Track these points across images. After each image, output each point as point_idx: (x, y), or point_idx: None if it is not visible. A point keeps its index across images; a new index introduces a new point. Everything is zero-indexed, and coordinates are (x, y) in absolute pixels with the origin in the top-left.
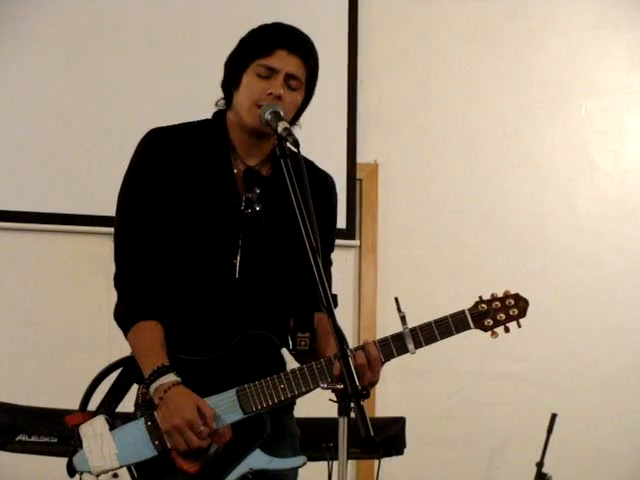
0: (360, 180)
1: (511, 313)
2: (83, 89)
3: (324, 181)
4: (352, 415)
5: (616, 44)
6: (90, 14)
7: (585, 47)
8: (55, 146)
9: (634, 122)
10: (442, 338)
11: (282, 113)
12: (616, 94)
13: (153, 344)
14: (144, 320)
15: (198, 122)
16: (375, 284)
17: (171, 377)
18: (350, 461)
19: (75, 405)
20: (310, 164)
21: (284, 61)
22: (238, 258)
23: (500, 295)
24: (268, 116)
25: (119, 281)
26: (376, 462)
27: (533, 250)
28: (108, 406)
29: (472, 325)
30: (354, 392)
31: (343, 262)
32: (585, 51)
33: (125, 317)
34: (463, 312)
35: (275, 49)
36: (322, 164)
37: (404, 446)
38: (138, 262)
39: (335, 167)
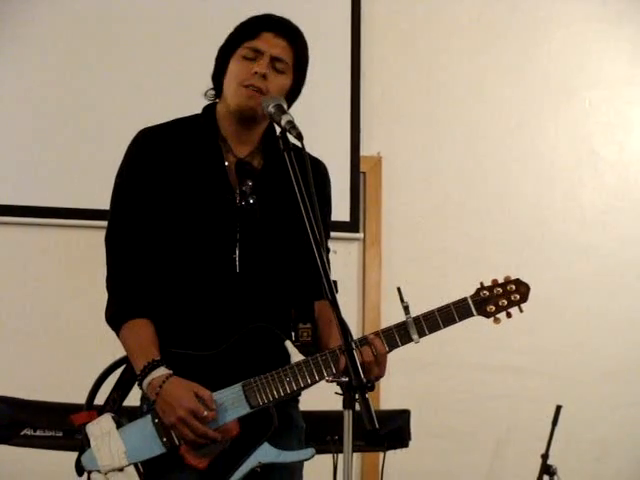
0: (364, 173)
1: (513, 298)
2: (84, 84)
3: (317, 168)
4: (357, 408)
5: (619, 36)
6: (90, 13)
7: (588, 39)
8: (59, 140)
9: (638, 113)
10: (445, 326)
11: (285, 106)
12: (619, 86)
13: (142, 341)
14: (133, 319)
15: (188, 117)
16: (379, 277)
17: (162, 370)
18: (355, 454)
19: (80, 399)
20: (306, 154)
21: (269, 43)
22: (237, 252)
23: (501, 281)
24: (272, 109)
25: (109, 283)
26: (381, 455)
27: (537, 241)
28: (113, 404)
29: (475, 312)
30: (359, 385)
31: (347, 255)
32: (588, 43)
33: (114, 318)
34: (465, 299)
35: (260, 32)
36: (326, 157)
37: (409, 439)
38: (128, 263)
39: (339, 160)
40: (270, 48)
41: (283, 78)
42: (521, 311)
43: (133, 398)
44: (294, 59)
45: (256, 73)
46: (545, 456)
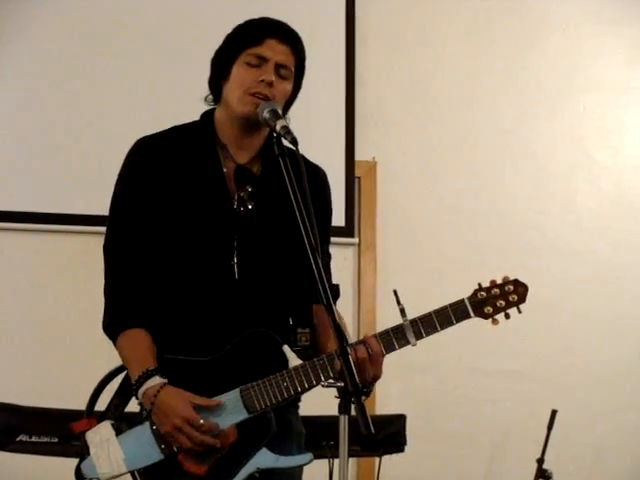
0: (358, 178)
1: (511, 299)
2: (81, 91)
3: (316, 174)
4: (353, 413)
5: (614, 40)
6: (90, 15)
7: (583, 43)
8: (54, 146)
9: (632, 118)
10: (442, 328)
11: (280, 111)
12: (614, 90)
13: (138, 351)
14: (129, 328)
15: (186, 125)
16: (374, 281)
17: (156, 380)
18: (351, 459)
19: (75, 405)
20: (301, 157)
21: (274, 50)
22: (235, 259)
23: (499, 282)
24: (266, 114)
25: (107, 291)
26: (377, 460)
27: (532, 246)
28: (115, 410)
29: (472, 314)
30: (354, 390)
31: (342, 260)
32: (583, 47)
33: (111, 327)
34: (462, 301)
35: (264, 38)
36: (320, 162)
37: (405, 443)
38: (126, 272)
39: (333, 165)
40: (275, 55)
41: (286, 84)
42: (519, 312)
43: (134, 404)
44: (296, 65)
45: (263, 81)
46: (541, 460)
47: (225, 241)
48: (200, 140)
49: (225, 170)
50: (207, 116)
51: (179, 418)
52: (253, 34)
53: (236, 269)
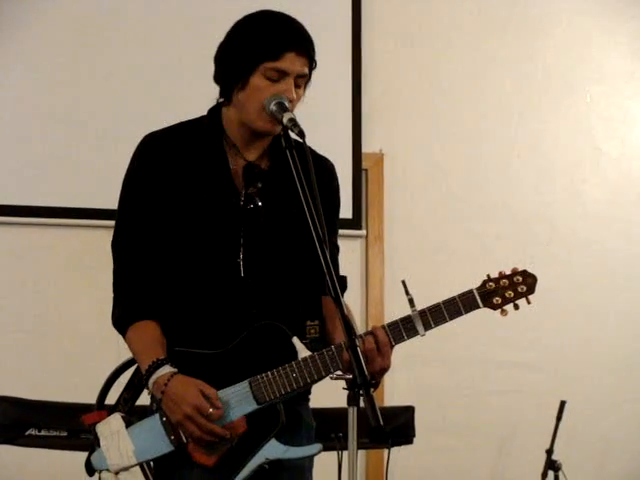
0: (365, 170)
1: (519, 290)
2: (86, 83)
3: (323, 165)
4: (362, 405)
5: (620, 30)
6: (92, 12)
7: (589, 34)
8: (62, 140)
9: (639, 108)
10: (451, 319)
11: (287, 103)
12: (621, 80)
13: (147, 341)
14: (138, 321)
15: (192, 120)
16: (382, 273)
17: (166, 369)
18: (360, 451)
19: (84, 399)
20: (309, 150)
21: (294, 64)
22: (241, 256)
23: (508, 272)
24: (273, 107)
25: (115, 287)
26: (386, 451)
27: (539, 237)
28: (125, 403)
29: (481, 304)
30: (363, 382)
31: (350, 252)
32: (589, 38)
33: (120, 321)
34: (471, 291)
35: (284, 52)
36: (327, 154)
37: (413, 435)
38: (134, 267)
39: (340, 157)
40: (295, 68)
41: (302, 90)
42: (528, 302)
43: (145, 397)
44: (309, 70)
45: None
46: (550, 451)
47: (231, 238)
48: (208, 137)
49: (233, 167)
50: (214, 112)
51: (190, 406)
52: (272, 47)
53: (242, 266)
